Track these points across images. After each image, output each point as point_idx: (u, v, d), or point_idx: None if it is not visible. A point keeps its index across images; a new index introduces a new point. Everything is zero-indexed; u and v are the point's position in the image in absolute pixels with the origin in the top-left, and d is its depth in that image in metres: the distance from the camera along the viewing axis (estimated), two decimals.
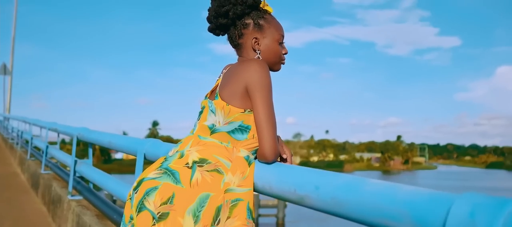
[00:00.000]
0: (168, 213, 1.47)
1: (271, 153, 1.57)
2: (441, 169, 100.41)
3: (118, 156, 71.61)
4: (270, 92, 1.60)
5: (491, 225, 0.86)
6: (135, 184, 1.61)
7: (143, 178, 1.58)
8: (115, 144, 3.31)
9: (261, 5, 1.71)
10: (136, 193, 1.56)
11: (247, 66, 1.60)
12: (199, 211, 1.47)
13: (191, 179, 1.51)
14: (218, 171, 1.53)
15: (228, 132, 1.60)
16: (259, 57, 1.69)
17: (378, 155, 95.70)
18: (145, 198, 1.51)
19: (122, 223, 1.61)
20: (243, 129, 1.60)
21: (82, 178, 4.51)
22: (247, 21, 1.69)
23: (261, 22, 1.69)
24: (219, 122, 1.61)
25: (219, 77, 1.73)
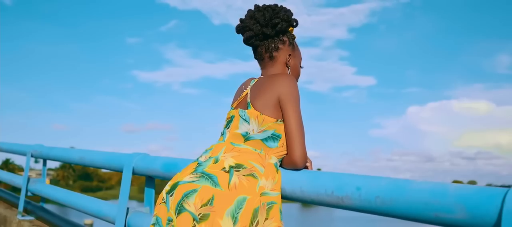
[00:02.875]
0: (208, 214, 1.54)
1: (302, 160, 1.70)
2: None
3: None
4: (299, 104, 1.74)
5: None
6: (168, 188, 1.66)
7: (178, 182, 1.64)
8: (89, 160, 3.20)
9: (290, 30, 1.89)
10: (171, 196, 1.62)
11: (280, 80, 1.74)
12: (237, 213, 1.55)
13: (229, 183, 1.59)
14: (253, 175, 1.63)
15: (262, 140, 1.71)
16: (288, 73, 1.85)
17: None
18: (184, 200, 1.57)
19: (157, 225, 1.64)
20: (275, 137, 1.71)
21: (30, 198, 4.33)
22: (284, 38, 1.87)
23: (294, 42, 1.89)
24: (253, 130, 1.72)
25: (246, 89, 1.84)
